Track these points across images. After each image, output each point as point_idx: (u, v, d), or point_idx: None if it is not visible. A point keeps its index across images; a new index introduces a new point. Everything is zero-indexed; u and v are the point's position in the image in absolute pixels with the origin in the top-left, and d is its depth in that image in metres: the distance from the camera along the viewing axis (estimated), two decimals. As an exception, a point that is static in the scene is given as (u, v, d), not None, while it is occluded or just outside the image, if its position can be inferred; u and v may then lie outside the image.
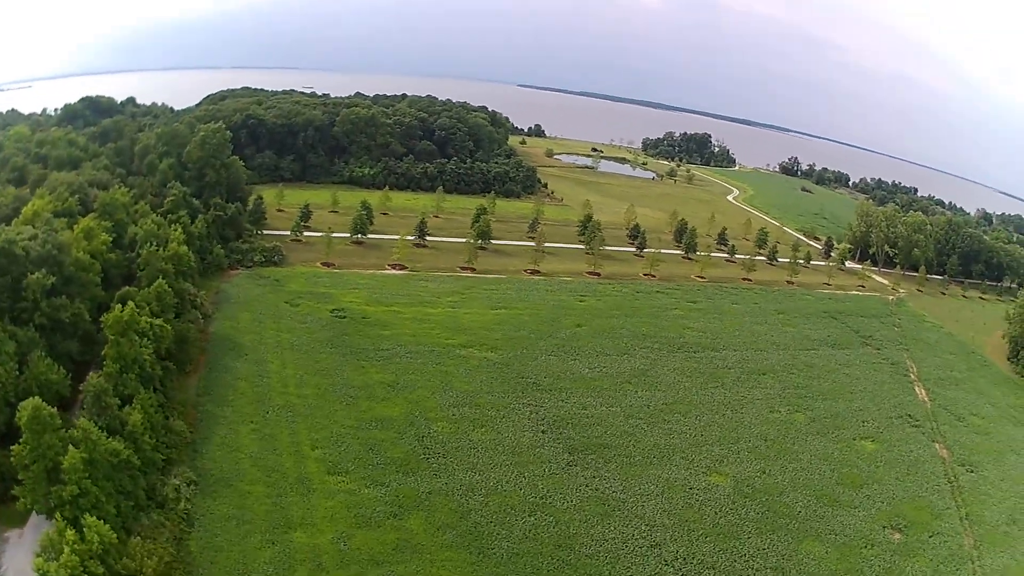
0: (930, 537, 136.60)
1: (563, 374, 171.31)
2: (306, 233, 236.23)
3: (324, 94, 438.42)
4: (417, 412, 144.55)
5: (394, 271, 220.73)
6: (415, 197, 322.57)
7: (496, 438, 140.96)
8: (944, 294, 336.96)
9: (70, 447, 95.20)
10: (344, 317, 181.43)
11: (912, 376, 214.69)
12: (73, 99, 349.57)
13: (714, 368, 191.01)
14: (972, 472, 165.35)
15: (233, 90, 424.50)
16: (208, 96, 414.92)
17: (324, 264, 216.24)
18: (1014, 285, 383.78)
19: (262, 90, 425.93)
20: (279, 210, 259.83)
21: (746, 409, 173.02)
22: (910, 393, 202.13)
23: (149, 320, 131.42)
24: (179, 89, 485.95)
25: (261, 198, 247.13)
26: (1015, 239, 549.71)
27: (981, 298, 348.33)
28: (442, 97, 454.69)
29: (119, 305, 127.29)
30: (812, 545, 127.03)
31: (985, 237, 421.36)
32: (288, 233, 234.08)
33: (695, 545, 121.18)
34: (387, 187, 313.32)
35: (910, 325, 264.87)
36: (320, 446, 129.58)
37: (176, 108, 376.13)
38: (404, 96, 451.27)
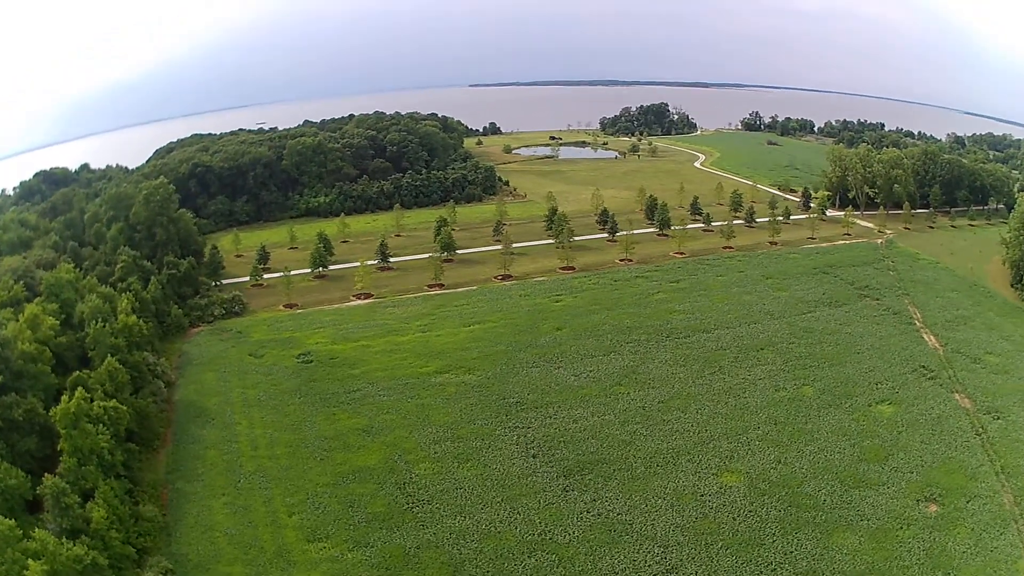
0: (968, 503, 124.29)
1: (548, 387, 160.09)
2: (266, 276, 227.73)
3: (272, 128, 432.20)
4: (396, 456, 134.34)
5: (359, 301, 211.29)
6: (374, 218, 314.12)
7: (483, 472, 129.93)
8: (932, 227, 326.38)
9: (30, 561, 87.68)
10: (311, 361, 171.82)
11: (918, 323, 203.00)
12: (29, 175, 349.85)
13: (708, 352, 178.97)
14: (999, 419, 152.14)
15: (182, 140, 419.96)
16: (156, 151, 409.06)
17: (286, 306, 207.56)
18: (1002, 206, 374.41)
19: (209, 135, 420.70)
20: (237, 256, 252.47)
21: (750, 392, 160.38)
22: (919, 342, 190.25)
23: (103, 404, 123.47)
24: (132, 148, 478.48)
25: (216, 247, 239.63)
26: (992, 158, 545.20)
27: (971, 225, 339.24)
28: (391, 111, 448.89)
29: (67, 394, 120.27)
30: (843, 537, 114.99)
31: (964, 161, 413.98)
32: (248, 279, 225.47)
33: (715, 560, 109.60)
34: (343, 213, 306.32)
35: (905, 267, 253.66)
36: (297, 511, 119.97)
37: (130, 167, 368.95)
38: (351, 117, 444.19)
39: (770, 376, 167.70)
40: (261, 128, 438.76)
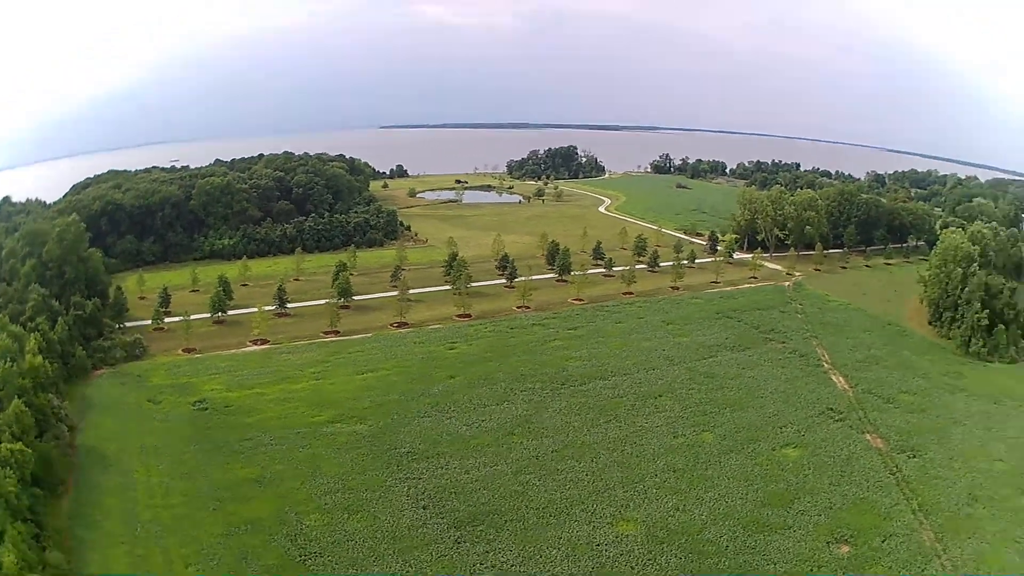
0: (883, 542, 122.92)
1: (439, 437, 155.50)
2: (167, 319, 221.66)
3: (185, 166, 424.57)
4: (287, 508, 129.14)
5: (256, 347, 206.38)
6: (276, 262, 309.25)
7: (373, 524, 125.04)
8: (845, 268, 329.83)
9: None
10: (206, 408, 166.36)
11: (826, 365, 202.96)
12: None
13: (604, 400, 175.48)
14: (915, 457, 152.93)
15: (99, 176, 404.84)
16: (73, 186, 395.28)
17: (185, 350, 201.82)
18: (922, 243, 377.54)
19: (125, 171, 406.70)
20: (141, 297, 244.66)
21: (647, 439, 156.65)
22: (827, 384, 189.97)
23: (9, 447, 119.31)
24: (56, 181, 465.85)
25: (121, 288, 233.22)
26: (913, 196, 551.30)
27: (886, 264, 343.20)
28: (300, 152, 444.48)
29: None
30: None
31: (882, 200, 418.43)
32: (150, 322, 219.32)
33: None
34: (246, 256, 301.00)
35: (814, 309, 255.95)
36: (192, 562, 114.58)
37: (48, 202, 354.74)
38: (261, 157, 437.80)
39: (668, 423, 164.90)
40: (174, 166, 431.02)
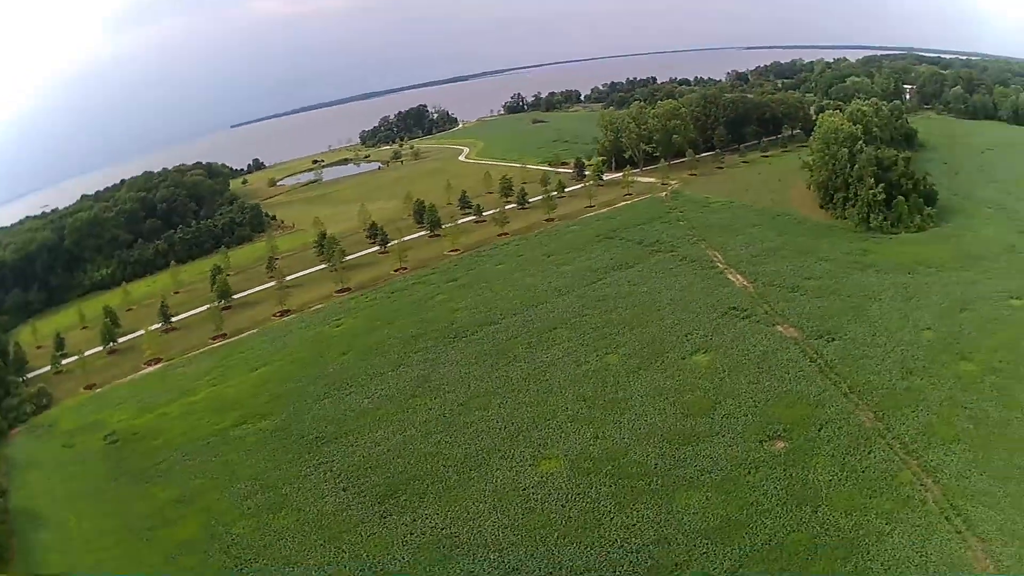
0: (819, 430, 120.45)
1: (343, 416, 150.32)
2: (64, 361, 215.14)
3: (54, 209, 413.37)
4: (213, 521, 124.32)
5: (151, 368, 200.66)
6: (154, 280, 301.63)
7: (299, 517, 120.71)
8: (721, 168, 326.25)
9: None
10: (117, 440, 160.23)
11: (720, 265, 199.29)
12: None
13: (499, 344, 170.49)
14: (834, 340, 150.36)
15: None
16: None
17: (87, 388, 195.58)
18: (797, 131, 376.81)
19: (1, 228, 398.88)
20: (38, 347, 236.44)
21: (550, 374, 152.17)
22: (725, 284, 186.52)
23: None
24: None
25: (17, 343, 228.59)
26: (781, 87, 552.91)
27: (764, 157, 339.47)
28: (159, 169, 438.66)
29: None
30: (687, 496, 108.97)
31: (749, 96, 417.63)
32: (50, 368, 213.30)
33: (555, 552, 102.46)
34: (125, 281, 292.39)
35: (696, 213, 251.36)
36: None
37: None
38: (123, 182, 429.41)
39: (569, 354, 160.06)
40: (44, 212, 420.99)
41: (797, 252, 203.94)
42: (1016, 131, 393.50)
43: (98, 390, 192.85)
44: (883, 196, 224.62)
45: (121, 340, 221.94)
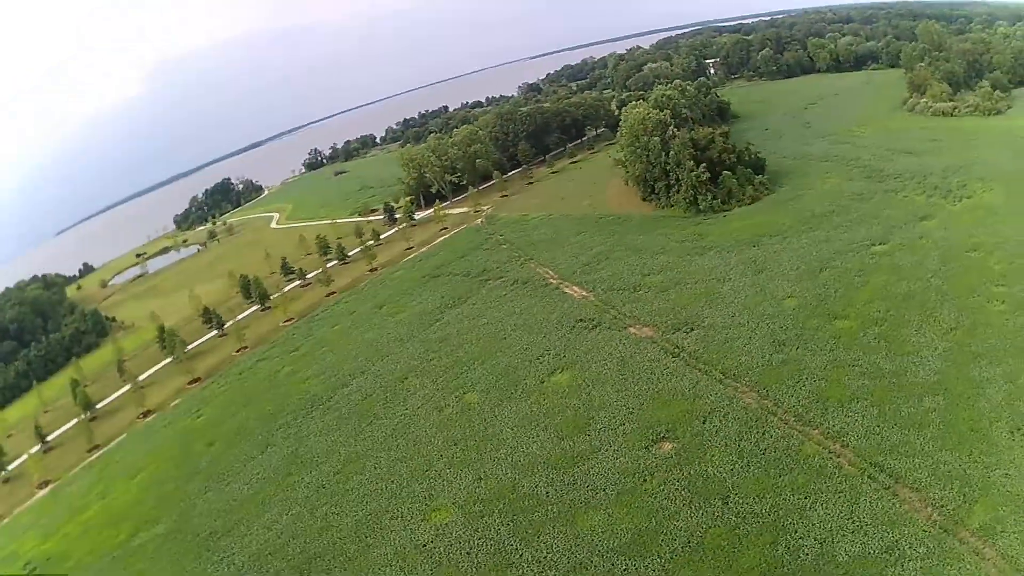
0: (704, 423, 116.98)
1: (228, 507, 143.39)
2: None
3: None
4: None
5: (43, 492, 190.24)
6: (24, 402, 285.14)
7: None
8: (532, 183, 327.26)
9: None
10: (35, 569, 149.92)
11: (554, 281, 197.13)
12: None
13: (355, 405, 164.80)
14: (693, 330, 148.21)
15: None
16: None
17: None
18: (602, 130, 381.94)
19: None
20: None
21: (415, 425, 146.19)
22: (565, 299, 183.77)
23: None
24: None
25: None
26: (576, 88, 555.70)
27: (573, 163, 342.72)
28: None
29: None
30: (588, 518, 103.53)
31: (545, 105, 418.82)
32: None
33: None
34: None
35: (516, 234, 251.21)
36: None
37: None
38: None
39: (426, 400, 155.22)
40: None
41: (630, 251, 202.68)
42: (837, 79, 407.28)
43: (4, 521, 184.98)
44: (707, 175, 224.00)
45: (10, 468, 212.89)
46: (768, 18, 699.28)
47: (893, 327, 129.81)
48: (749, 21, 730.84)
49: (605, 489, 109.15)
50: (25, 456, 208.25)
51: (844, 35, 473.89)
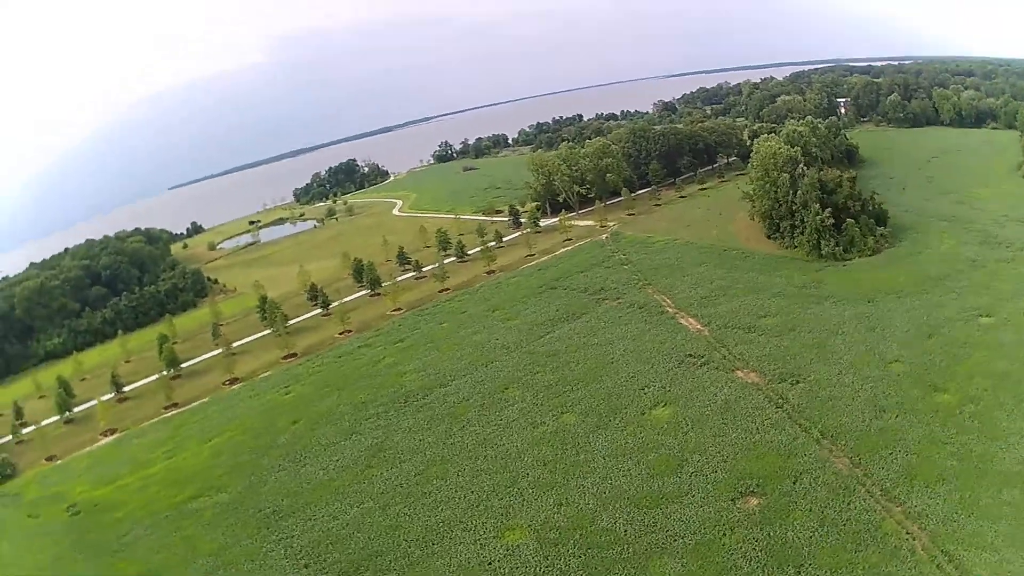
0: (794, 483, 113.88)
1: (299, 488, 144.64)
2: (24, 431, 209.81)
3: (4, 277, 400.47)
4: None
5: (107, 439, 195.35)
6: (105, 348, 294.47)
7: None
8: (659, 205, 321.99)
9: None
10: (79, 512, 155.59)
11: (670, 310, 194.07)
12: None
13: (451, 407, 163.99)
14: (799, 382, 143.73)
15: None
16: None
17: (47, 459, 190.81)
18: (734, 159, 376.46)
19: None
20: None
21: (506, 437, 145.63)
22: (678, 330, 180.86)
23: None
24: None
25: None
26: (711, 112, 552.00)
27: (702, 190, 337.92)
28: (100, 236, 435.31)
29: None
30: (661, 564, 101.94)
31: (679, 126, 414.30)
32: (11, 437, 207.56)
33: None
34: (75, 349, 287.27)
35: (639, 255, 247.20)
36: None
37: None
38: (66, 251, 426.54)
39: (524, 414, 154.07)
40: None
41: (749, 289, 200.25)
42: (960, 135, 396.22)
43: (58, 461, 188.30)
44: (832, 221, 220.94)
45: (76, 410, 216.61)
46: (896, 63, 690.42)
47: (988, 407, 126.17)
48: (878, 64, 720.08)
49: (684, 537, 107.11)
50: (95, 401, 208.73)
51: (966, 88, 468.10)
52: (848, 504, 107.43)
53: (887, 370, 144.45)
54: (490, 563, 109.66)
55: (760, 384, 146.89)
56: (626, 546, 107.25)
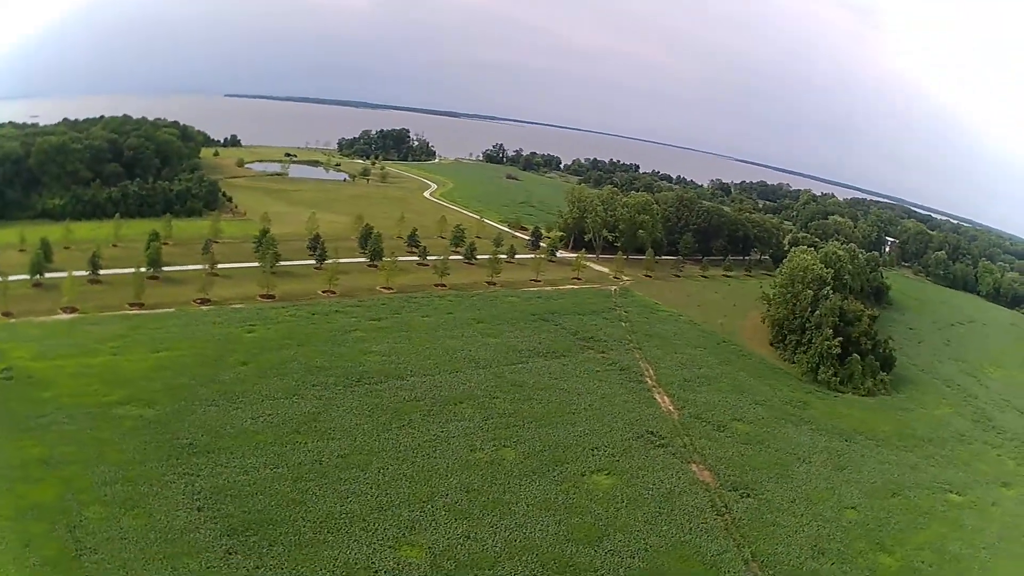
0: None
1: (223, 429, 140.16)
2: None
3: (36, 123, 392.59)
4: (69, 494, 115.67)
5: (65, 316, 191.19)
6: (100, 226, 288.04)
7: (148, 522, 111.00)
8: (679, 276, 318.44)
9: None
10: (11, 378, 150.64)
11: (649, 381, 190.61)
12: None
13: (399, 402, 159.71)
14: (748, 496, 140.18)
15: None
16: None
17: (4, 314, 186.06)
18: (766, 257, 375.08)
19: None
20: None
21: (440, 452, 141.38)
22: (649, 404, 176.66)
23: None
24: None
25: None
26: (761, 207, 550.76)
27: (726, 276, 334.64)
28: (139, 115, 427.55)
29: None
30: None
31: (726, 209, 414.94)
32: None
33: None
34: (71, 218, 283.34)
35: (640, 318, 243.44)
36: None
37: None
38: (102, 117, 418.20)
39: (466, 434, 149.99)
40: (31, 123, 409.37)
41: (734, 387, 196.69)
42: (992, 309, 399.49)
43: (12, 320, 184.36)
44: (838, 350, 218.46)
45: (48, 275, 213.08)
46: (955, 221, 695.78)
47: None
48: (937, 216, 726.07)
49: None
50: (67, 274, 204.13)
51: (1012, 268, 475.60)
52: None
53: (840, 514, 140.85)
54: (376, 571, 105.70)
55: (710, 485, 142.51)
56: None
